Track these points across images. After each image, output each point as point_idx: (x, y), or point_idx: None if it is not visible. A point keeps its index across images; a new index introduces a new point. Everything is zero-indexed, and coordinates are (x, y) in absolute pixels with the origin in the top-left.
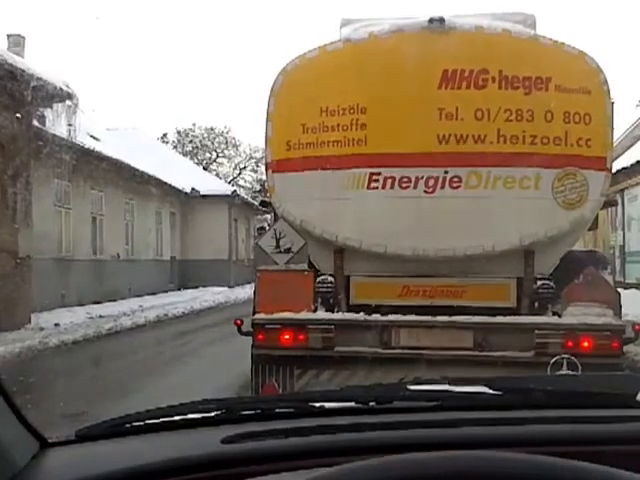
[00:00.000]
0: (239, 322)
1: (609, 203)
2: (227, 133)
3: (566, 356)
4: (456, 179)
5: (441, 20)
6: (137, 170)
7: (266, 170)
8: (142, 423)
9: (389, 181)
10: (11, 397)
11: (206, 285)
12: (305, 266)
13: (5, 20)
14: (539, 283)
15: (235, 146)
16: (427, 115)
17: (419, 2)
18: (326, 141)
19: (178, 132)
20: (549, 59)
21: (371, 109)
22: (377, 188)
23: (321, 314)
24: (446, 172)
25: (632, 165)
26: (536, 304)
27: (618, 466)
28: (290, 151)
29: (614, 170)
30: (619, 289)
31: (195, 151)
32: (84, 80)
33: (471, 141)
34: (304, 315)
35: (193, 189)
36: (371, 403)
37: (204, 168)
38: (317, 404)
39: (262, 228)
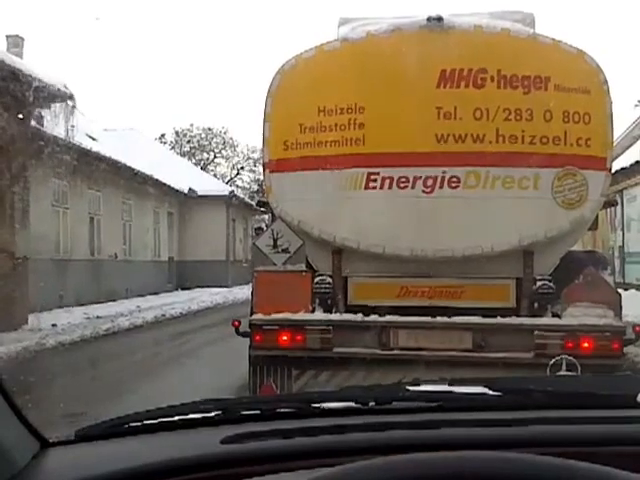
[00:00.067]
0: (237, 323)
1: (609, 203)
2: (225, 133)
3: (565, 357)
4: (455, 179)
5: (439, 19)
6: (135, 170)
7: (263, 170)
8: (142, 423)
9: (387, 181)
10: (12, 397)
11: (204, 286)
12: (303, 266)
13: (4, 21)
14: (539, 284)
15: (233, 146)
16: (425, 114)
17: (417, 1)
18: (324, 141)
19: (176, 132)
20: (548, 58)
21: (369, 109)
22: (375, 188)
23: (319, 315)
24: (444, 172)
25: (631, 165)
26: (536, 305)
27: (618, 467)
28: (288, 151)
29: (613, 170)
30: (619, 290)
31: (193, 151)
32: (82, 81)
33: (470, 141)
34: (302, 316)
35: (191, 189)
36: (371, 403)
37: (202, 168)
38: (317, 404)
39: (260, 228)
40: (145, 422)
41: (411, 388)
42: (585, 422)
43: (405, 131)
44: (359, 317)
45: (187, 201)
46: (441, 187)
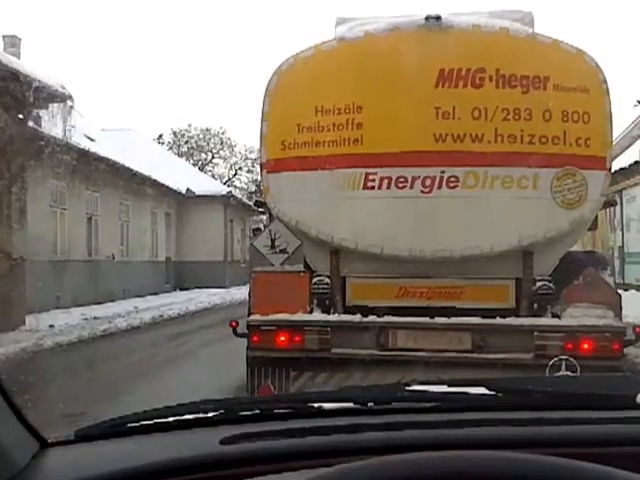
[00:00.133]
0: (234, 324)
1: (609, 203)
2: (223, 134)
3: (565, 357)
4: (453, 179)
5: (438, 18)
6: (132, 171)
7: (261, 170)
8: (141, 423)
9: (385, 181)
10: (11, 397)
11: (202, 286)
12: (301, 267)
13: (1, 21)
14: (538, 284)
15: (231, 147)
16: (424, 114)
17: (415, 1)
18: (321, 141)
19: (174, 133)
20: (547, 58)
21: (367, 108)
22: (373, 188)
23: (317, 315)
24: (443, 172)
25: (630, 165)
26: (535, 305)
27: (618, 468)
28: (285, 151)
29: (612, 170)
30: (618, 290)
31: (191, 152)
32: (80, 81)
33: (468, 140)
34: (300, 316)
35: (188, 190)
36: (369, 404)
37: (200, 169)
38: (315, 405)
39: (258, 229)
40: (144, 422)
41: (410, 388)
42: (584, 423)
43: (403, 131)
44: (357, 318)
45: (185, 201)
46: (440, 187)
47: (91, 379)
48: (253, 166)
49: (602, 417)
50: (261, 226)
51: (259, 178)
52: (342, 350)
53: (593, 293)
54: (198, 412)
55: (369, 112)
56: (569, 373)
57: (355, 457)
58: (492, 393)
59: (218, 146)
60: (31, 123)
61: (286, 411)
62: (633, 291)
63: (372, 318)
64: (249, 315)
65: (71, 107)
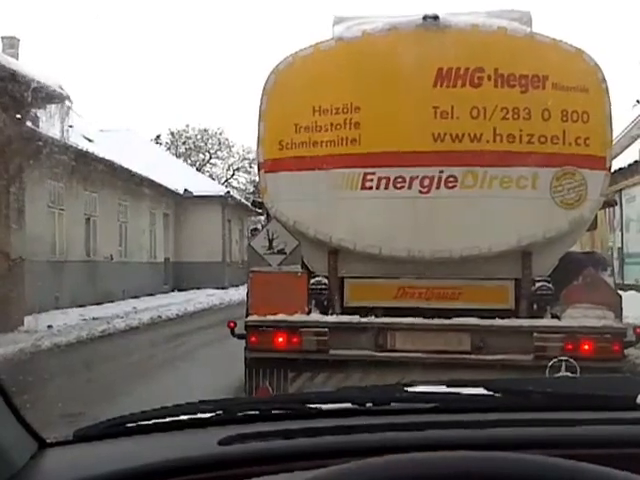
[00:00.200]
0: (232, 324)
1: (608, 203)
2: (220, 134)
3: (564, 358)
4: (452, 179)
5: (435, 18)
6: (130, 171)
7: (258, 170)
8: (139, 424)
9: (383, 181)
10: (10, 398)
11: (200, 287)
12: (299, 267)
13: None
14: (537, 285)
15: (229, 147)
16: (422, 114)
17: (413, 0)
18: (319, 141)
19: (172, 133)
20: (546, 57)
21: (365, 108)
22: (371, 188)
23: (315, 316)
24: (441, 172)
25: (630, 165)
26: (535, 306)
27: (617, 469)
28: (283, 151)
29: (612, 170)
30: (618, 291)
31: (189, 152)
32: (78, 82)
33: (467, 140)
34: (298, 317)
35: (186, 190)
36: (368, 404)
37: (198, 169)
38: (314, 405)
39: (256, 229)
40: (143, 423)
41: (409, 389)
42: (584, 424)
43: (401, 131)
44: (355, 319)
45: (183, 202)
46: (438, 187)
47: (89, 380)
48: (251, 166)
49: (602, 418)
50: (259, 226)
51: (257, 178)
52: (340, 351)
53: (593, 294)
54: (196, 412)
55: (367, 112)
56: (569, 374)
57: (353, 458)
58: (491, 394)
59: (216, 146)
60: (29, 123)
61: (284, 412)
62: (633, 292)
63: (370, 319)
64: (247, 316)
65: (69, 107)
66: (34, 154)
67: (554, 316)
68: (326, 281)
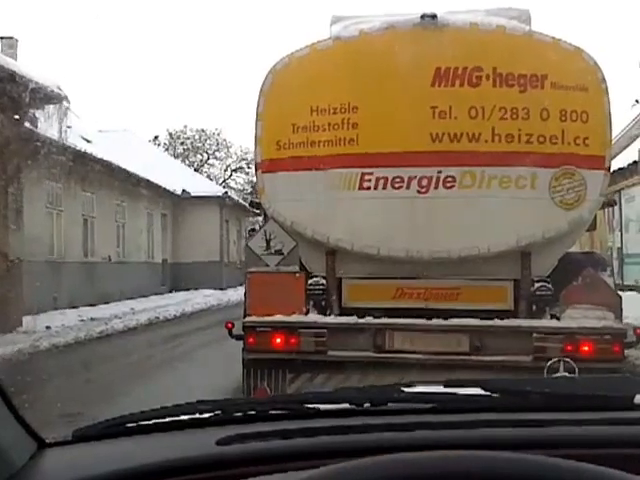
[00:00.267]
0: (230, 325)
1: (608, 203)
2: (218, 135)
3: (563, 359)
4: (450, 179)
5: (433, 17)
6: (128, 172)
7: (256, 170)
8: (138, 424)
9: (381, 181)
10: (9, 398)
11: (198, 287)
12: (296, 268)
13: None
14: (537, 285)
15: (226, 148)
16: (420, 113)
17: None
18: (317, 141)
19: (170, 134)
20: (545, 56)
21: (362, 108)
22: (369, 188)
23: (313, 317)
24: (440, 172)
25: (629, 165)
26: (534, 307)
27: (616, 469)
28: (280, 151)
29: (611, 170)
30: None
31: (186, 153)
32: (76, 82)
33: (465, 140)
34: (296, 318)
35: (184, 191)
36: (366, 405)
37: (195, 170)
38: (312, 405)
39: (253, 230)
40: (141, 423)
41: (406, 389)
42: (582, 424)
43: (399, 130)
44: (353, 319)
45: (181, 202)
46: (436, 187)
47: (88, 380)
48: (249, 167)
49: (600, 418)
50: (257, 227)
51: (255, 179)
52: (338, 352)
53: (593, 294)
54: (195, 412)
55: (365, 112)
56: (567, 374)
57: (351, 458)
58: (489, 394)
59: (214, 147)
60: (27, 124)
61: (282, 412)
62: (632, 292)
63: (368, 320)
64: (245, 316)
65: (67, 108)
66: (32, 155)
67: (553, 317)
68: (324, 281)
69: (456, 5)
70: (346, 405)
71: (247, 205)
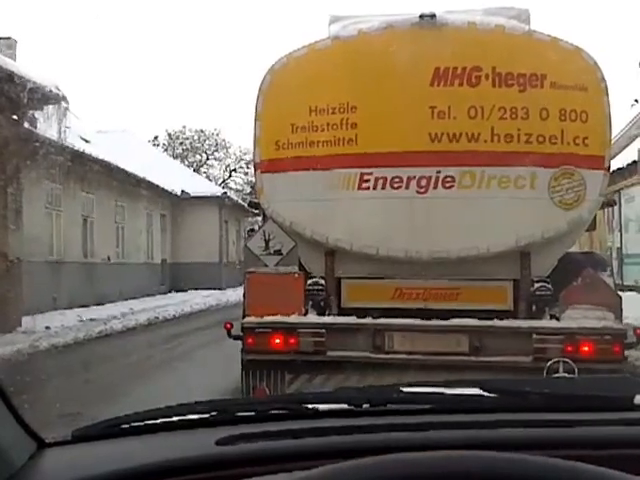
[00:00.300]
0: (229, 325)
1: (608, 203)
2: (217, 135)
3: (562, 359)
4: (449, 179)
5: (432, 16)
6: (128, 172)
7: (255, 170)
8: (138, 424)
9: (380, 181)
10: (9, 398)
11: (197, 288)
12: (295, 268)
13: None
14: (536, 285)
15: (225, 148)
16: (419, 113)
17: None
18: (316, 141)
19: (169, 134)
20: (544, 55)
21: (361, 108)
22: (368, 188)
23: (312, 317)
24: (439, 172)
25: (628, 165)
26: (534, 307)
27: (615, 470)
28: (279, 151)
29: (610, 170)
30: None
31: (185, 153)
32: (75, 83)
33: (464, 140)
34: (295, 318)
35: (183, 191)
36: (365, 405)
37: (195, 170)
38: (310, 406)
39: (252, 230)
40: (141, 423)
41: (405, 390)
42: (582, 425)
43: (398, 130)
44: (353, 320)
45: (180, 203)
46: (435, 187)
47: (87, 380)
48: (248, 167)
49: (600, 419)
50: (256, 227)
51: (253, 179)
52: (338, 353)
53: (592, 294)
54: (194, 413)
55: (364, 112)
56: (566, 375)
57: (350, 458)
58: (488, 395)
59: (213, 147)
60: (26, 124)
61: (282, 412)
62: (632, 292)
63: (368, 320)
64: (244, 317)
65: (66, 108)
66: (31, 155)
67: (553, 317)
68: (323, 282)
69: (455, 5)
70: (345, 405)
71: (246, 205)
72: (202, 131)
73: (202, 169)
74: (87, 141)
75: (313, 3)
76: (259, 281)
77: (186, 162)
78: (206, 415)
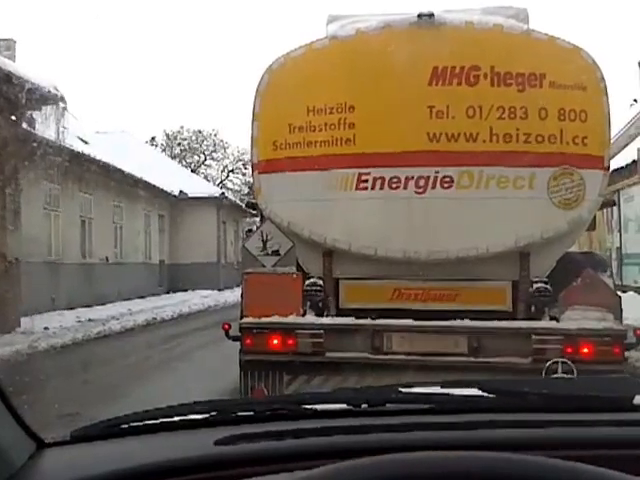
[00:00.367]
0: (227, 326)
1: (607, 203)
2: (215, 135)
3: (561, 360)
4: (447, 179)
5: (430, 15)
6: (126, 173)
7: (252, 171)
8: (137, 424)
9: (378, 181)
10: (8, 398)
11: (195, 288)
12: (293, 269)
13: None
14: (535, 286)
15: (223, 148)
16: (417, 113)
17: None
18: (313, 141)
19: (167, 135)
20: (543, 54)
21: (359, 108)
22: (366, 189)
23: (310, 318)
24: (437, 172)
25: (628, 165)
26: (533, 308)
27: (615, 470)
28: (277, 151)
29: (610, 169)
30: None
31: (183, 154)
32: (73, 83)
33: (463, 140)
34: (293, 319)
35: (181, 192)
36: (363, 405)
37: (192, 171)
38: (309, 406)
39: (250, 230)
40: (140, 423)
41: (404, 390)
42: (581, 425)
43: (396, 130)
44: (351, 320)
45: (178, 203)
46: (434, 187)
47: (86, 381)
48: (246, 168)
49: (599, 419)
50: (254, 228)
51: (251, 180)
52: (336, 354)
53: (592, 295)
54: (193, 413)
55: (361, 111)
56: (565, 375)
57: (348, 459)
58: (487, 395)
59: (211, 148)
60: (24, 125)
61: (280, 412)
62: (632, 293)
63: (366, 321)
64: (242, 317)
65: (64, 109)
66: (30, 156)
67: (553, 318)
68: (321, 282)
69: (453, 4)
70: (343, 406)
71: (244, 206)
72: (200, 132)
73: (200, 169)
74: (85, 142)
75: (311, 3)
76: (257, 282)
77: (184, 163)
78: (205, 415)
